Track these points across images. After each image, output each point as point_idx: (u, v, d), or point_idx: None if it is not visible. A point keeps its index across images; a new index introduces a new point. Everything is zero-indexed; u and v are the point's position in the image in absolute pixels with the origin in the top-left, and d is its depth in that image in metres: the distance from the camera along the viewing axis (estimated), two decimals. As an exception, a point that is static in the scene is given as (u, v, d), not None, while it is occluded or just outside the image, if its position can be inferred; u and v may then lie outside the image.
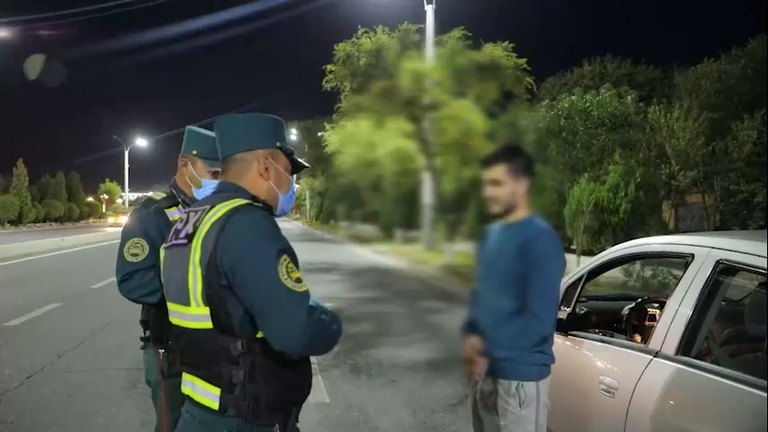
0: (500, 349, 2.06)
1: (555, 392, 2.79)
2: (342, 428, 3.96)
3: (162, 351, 2.25)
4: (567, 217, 14.48)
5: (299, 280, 1.37)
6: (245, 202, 1.45)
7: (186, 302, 1.42)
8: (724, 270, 1.99)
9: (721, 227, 18.49)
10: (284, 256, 1.37)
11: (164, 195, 2.49)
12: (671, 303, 2.12)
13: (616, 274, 9.48)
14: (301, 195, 64.54)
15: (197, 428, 1.44)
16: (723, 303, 2.68)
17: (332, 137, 19.44)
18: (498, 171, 2.14)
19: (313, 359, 5.14)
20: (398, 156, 16.76)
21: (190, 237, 1.43)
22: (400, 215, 21.56)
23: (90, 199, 65.69)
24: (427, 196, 17.14)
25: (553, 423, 2.87)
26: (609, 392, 2.27)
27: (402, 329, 7.36)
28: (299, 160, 1.67)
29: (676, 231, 20.92)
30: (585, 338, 2.63)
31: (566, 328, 2.78)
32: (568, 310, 2.86)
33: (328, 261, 16.63)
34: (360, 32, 16.24)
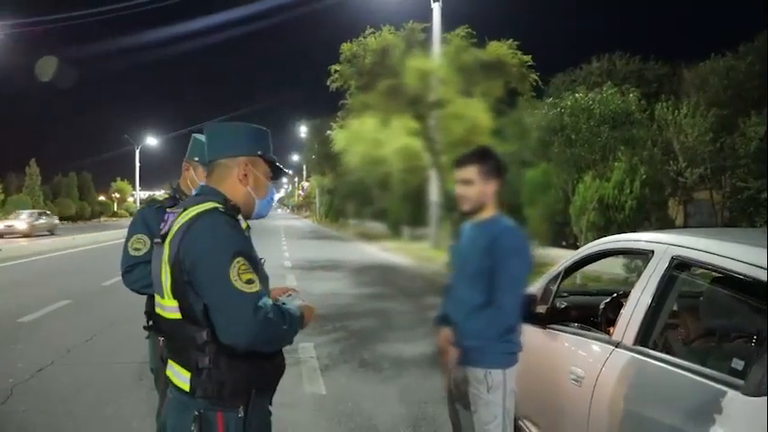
0: (469, 339, 2.20)
1: (532, 381, 2.94)
2: (335, 419, 4.11)
3: (162, 339, 2.44)
4: (572, 214, 14.55)
5: (250, 281, 1.49)
6: (213, 205, 1.59)
7: (162, 294, 1.61)
8: (679, 265, 2.12)
9: (730, 223, 18.46)
10: (238, 259, 1.50)
11: (166, 196, 2.75)
12: (632, 297, 2.25)
13: (617, 270, 9.55)
14: (311, 193, 64.80)
15: (176, 408, 1.62)
16: (701, 299, 2.80)
17: (339, 135, 19.54)
18: (470, 171, 2.29)
19: (312, 353, 5.27)
20: (405, 153, 16.86)
21: (164, 236, 1.61)
22: (408, 213, 21.70)
23: (101, 198, 66.42)
24: (434, 194, 17.25)
25: (530, 410, 3.01)
26: (577, 381, 2.40)
27: (404, 325, 7.48)
28: (281, 167, 1.81)
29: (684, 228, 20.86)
30: (561, 331, 2.76)
31: (544, 321, 2.91)
32: (547, 304, 3.00)
33: (334, 258, 16.81)
34: (367, 33, 16.36)
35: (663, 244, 2.22)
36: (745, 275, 1.76)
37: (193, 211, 1.57)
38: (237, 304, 1.46)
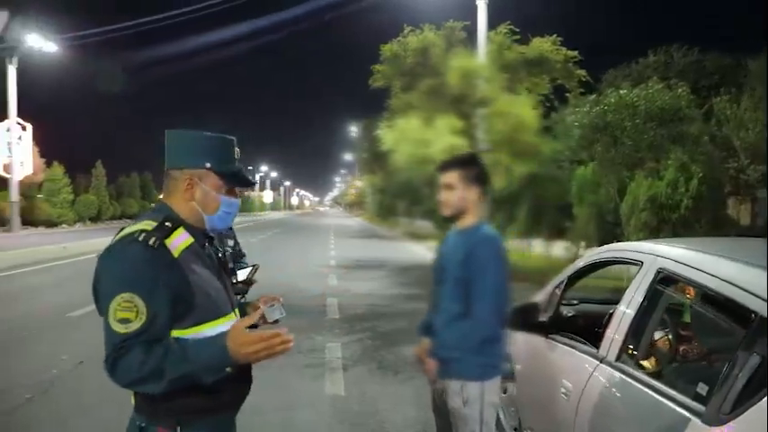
0: (446, 350, 2.17)
1: (533, 392, 2.87)
2: (349, 421, 4.14)
3: None
4: (623, 214, 14.01)
5: (123, 320, 1.41)
6: (139, 228, 1.51)
7: None
8: (664, 279, 2.00)
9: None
10: (122, 295, 1.42)
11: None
12: (618, 310, 2.15)
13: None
14: (363, 192, 65.24)
15: (130, 421, 1.60)
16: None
17: (386, 135, 19.57)
18: (452, 176, 2.27)
19: (339, 354, 5.33)
20: (450, 152, 16.68)
21: None
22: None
23: (161, 197, 69.07)
24: (479, 193, 16.99)
25: (532, 421, 2.94)
26: (566, 395, 2.32)
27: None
28: (247, 178, 1.68)
29: (752, 229, 19.76)
30: (558, 342, 2.68)
31: (547, 330, 2.83)
32: (551, 313, 2.91)
33: (378, 258, 16.89)
34: (407, 32, 16.30)
35: (651, 255, 2.11)
36: (717, 293, 1.65)
37: (123, 232, 1.54)
38: (107, 343, 1.43)
